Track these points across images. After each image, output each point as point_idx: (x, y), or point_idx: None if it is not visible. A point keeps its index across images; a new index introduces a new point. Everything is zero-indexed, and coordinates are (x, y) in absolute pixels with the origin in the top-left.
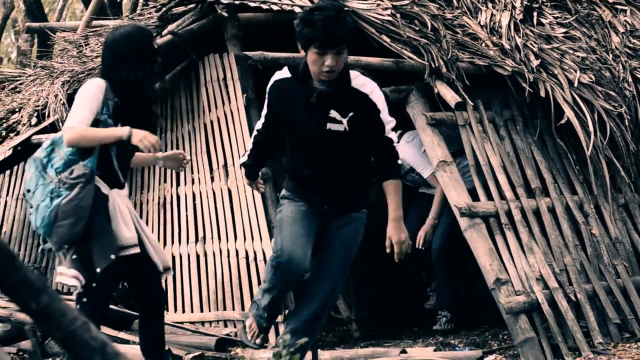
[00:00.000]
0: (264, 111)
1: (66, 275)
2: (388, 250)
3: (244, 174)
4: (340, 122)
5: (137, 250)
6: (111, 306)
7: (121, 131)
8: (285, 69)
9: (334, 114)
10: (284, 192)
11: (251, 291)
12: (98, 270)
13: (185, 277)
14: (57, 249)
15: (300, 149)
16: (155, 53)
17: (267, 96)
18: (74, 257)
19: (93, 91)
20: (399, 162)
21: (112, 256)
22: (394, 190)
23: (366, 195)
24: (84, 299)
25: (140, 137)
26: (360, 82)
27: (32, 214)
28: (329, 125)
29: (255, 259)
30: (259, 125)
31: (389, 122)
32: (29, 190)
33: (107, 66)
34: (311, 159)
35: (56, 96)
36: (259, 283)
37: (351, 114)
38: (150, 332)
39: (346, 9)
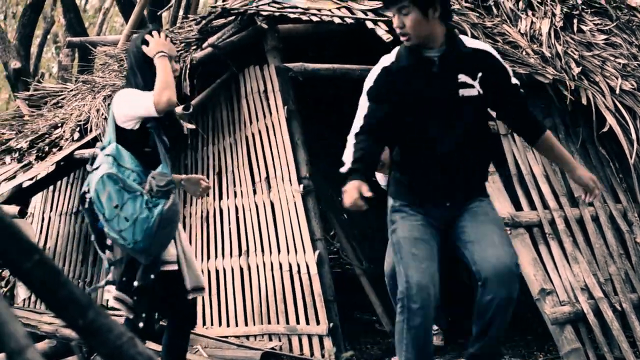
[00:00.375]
0: (366, 108)
1: (126, 304)
2: (586, 198)
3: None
4: (472, 86)
5: (175, 267)
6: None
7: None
8: (393, 52)
9: (463, 78)
10: (392, 202)
11: (295, 304)
12: (135, 284)
13: (230, 291)
14: (146, 262)
15: (425, 130)
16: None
17: (371, 87)
18: (138, 283)
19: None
20: (534, 117)
21: (152, 275)
22: (554, 139)
23: (485, 180)
24: (142, 325)
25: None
26: (473, 42)
27: (124, 230)
28: (462, 92)
29: (299, 271)
30: (357, 127)
31: (514, 76)
32: (116, 206)
33: (127, 76)
34: (443, 134)
35: (98, 110)
36: (303, 296)
37: (480, 74)
38: (172, 343)
39: (386, 18)
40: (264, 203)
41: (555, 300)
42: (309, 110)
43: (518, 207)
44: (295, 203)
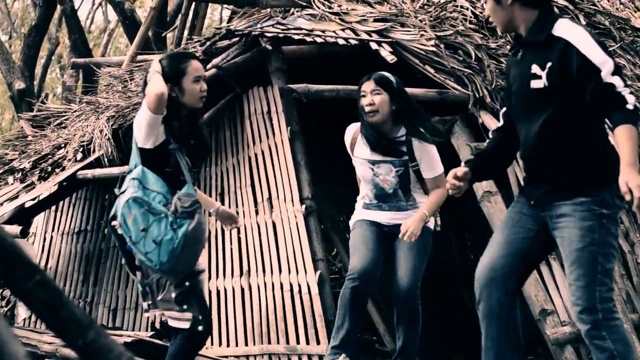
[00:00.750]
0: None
1: (176, 318)
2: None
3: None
4: (540, 77)
5: (205, 275)
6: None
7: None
8: None
9: (534, 68)
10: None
11: (296, 324)
12: (173, 295)
13: (230, 310)
14: (176, 280)
15: (516, 122)
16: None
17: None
18: (179, 296)
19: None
20: (630, 106)
21: (187, 283)
22: (624, 135)
23: (587, 173)
24: (201, 328)
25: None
26: (563, 27)
27: (150, 252)
28: (532, 83)
29: (300, 292)
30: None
31: (604, 63)
32: (143, 230)
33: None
34: (521, 131)
35: (101, 131)
36: (304, 316)
37: (549, 64)
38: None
39: (390, 39)
40: (265, 223)
41: (556, 321)
42: (312, 131)
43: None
44: (297, 223)
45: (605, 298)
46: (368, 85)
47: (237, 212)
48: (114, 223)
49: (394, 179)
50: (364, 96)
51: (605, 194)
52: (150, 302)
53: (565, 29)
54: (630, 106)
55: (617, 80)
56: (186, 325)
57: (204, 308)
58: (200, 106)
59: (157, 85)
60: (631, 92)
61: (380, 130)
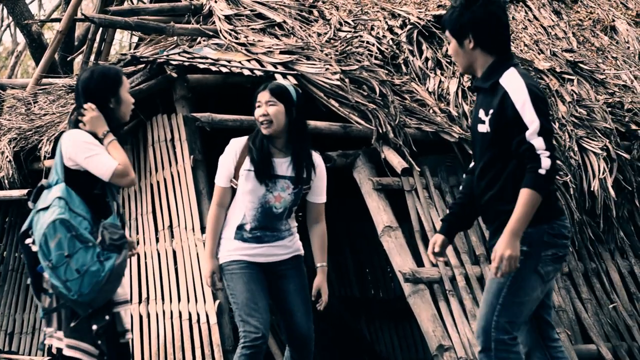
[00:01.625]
0: None
1: (83, 350)
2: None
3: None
4: (484, 122)
5: (128, 306)
6: None
7: None
8: None
9: (481, 113)
10: None
11: (193, 354)
12: (94, 327)
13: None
14: (86, 316)
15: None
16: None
17: None
18: (96, 326)
19: None
20: (541, 171)
21: (107, 317)
22: (522, 199)
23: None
24: None
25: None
26: (508, 77)
27: (71, 281)
28: (479, 127)
29: (198, 321)
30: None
31: (531, 122)
32: (68, 256)
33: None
34: (475, 169)
35: (2, 153)
36: (202, 346)
37: (491, 111)
38: None
39: (295, 72)
40: (166, 251)
41: (453, 357)
42: (215, 160)
43: (420, 263)
44: (197, 252)
45: (503, 328)
46: (263, 96)
47: (138, 240)
48: (28, 241)
49: (289, 197)
50: (259, 107)
51: (532, 231)
52: (53, 328)
53: (508, 80)
54: (542, 171)
55: (538, 142)
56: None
57: (115, 345)
58: (127, 119)
59: (132, 171)
60: (550, 157)
61: (271, 145)
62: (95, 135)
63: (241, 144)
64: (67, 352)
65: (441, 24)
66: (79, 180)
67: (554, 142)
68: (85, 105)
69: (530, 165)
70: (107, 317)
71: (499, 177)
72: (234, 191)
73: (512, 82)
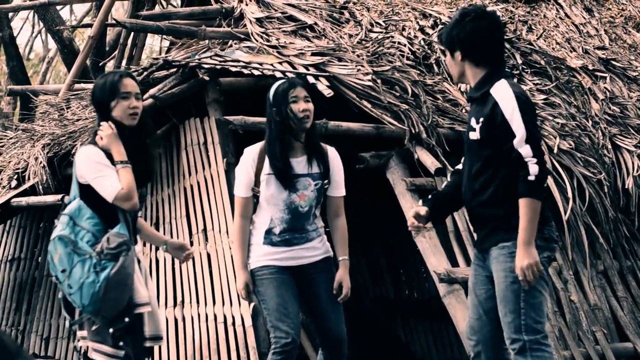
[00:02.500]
0: None
1: (106, 353)
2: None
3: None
4: (475, 130)
5: (149, 308)
6: None
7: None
8: None
9: (472, 121)
10: None
11: (229, 356)
12: (111, 331)
13: (164, 341)
14: (105, 324)
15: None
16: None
17: None
18: (113, 329)
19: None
20: (530, 177)
21: (127, 319)
22: (522, 210)
23: (509, 218)
24: None
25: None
26: (498, 87)
27: (73, 294)
28: (470, 134)
29: (233, 323)
30: None
31: (518, 130)
32: (64, 271)
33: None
34: (464, 174)
35: (36, 159)
36: (237, 348)
37: (482, 119)
38: None
39: (327, 74)
40: (200, 255)
41: None
42: None
43: (454, 263)
44: (231, 255)
45: (532, 329)
46: (299, 91)
47: (192, 242)
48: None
49: (312, 194)
50: (295, 102)
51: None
52: (84, 331)
53: (498, 90)
54: (531, 177)
55: (525, 150)
56: None
57: (140, 346)
58: (132, 124)
59: (136, 196)
60: (538, 163)
61: (290, 145)
62: (109, 152)
63: (256, 150)
64: (91, 354)
65: (440, 38)
66: (92, 194)
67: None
68: (102, 124)
69: (521, 174)
70: (126, 320)
71: (489, 183)
72: (254, 201)
73: (502, 91)
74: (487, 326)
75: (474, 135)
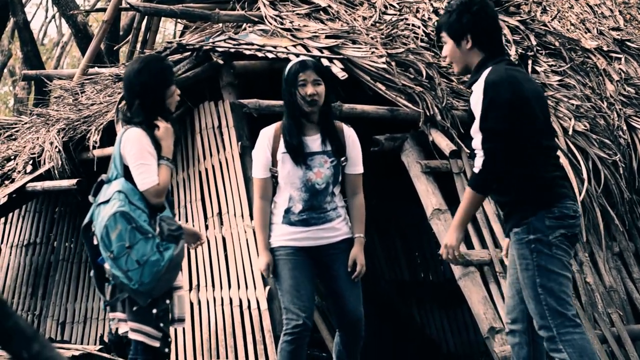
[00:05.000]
0: None
1: (146, 333)
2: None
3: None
4: (473, 116)
5: (183, 292)
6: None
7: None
8: None
9: (470, 107)
10: None
11: (245, 340)
12: (155, 311)
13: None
14: (148, 304)
15: None
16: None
17: None
18: (157, 310)
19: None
20: (475, 169)
21: (168, 301)
22: (464, 195)
23: (517, 203)
24: (167, 350)
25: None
26: (484, 74)
27: (132, 271)
28: (472, 122)
29: (249, 307)
30: None
31: (481, 119)
32: (129, 247)
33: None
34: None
35: (51, 144)
36: (253, 332)
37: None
38: None
39: (341, 56)
40: (215, 238)
41: (504, 339)
42: None
43: (470, 245)
44: (247, 239)
45: (556, 312)
46: (308, 75)
47: (207, 226)
48: (90, 234)
49: (328, 171)
50: (303, 85)
51: (533, 220)
52: (118, 313)
53: (482, 77)
54: (475, 169)
55: (476, 140)
56: (156, 343)
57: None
58: (173, 111)
59: (164, 195)
60: (486, 154)
61: (305, 123)
62: (157, 142)
63: (272, 131)
64: (131, 335)
65: (436, 28)
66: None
67: (603, 121)
68: (160, 124)
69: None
70: (167, 301)
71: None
72: (273, 181)
73: (481, 79)
74: (520, 305)
75: (474, 122)
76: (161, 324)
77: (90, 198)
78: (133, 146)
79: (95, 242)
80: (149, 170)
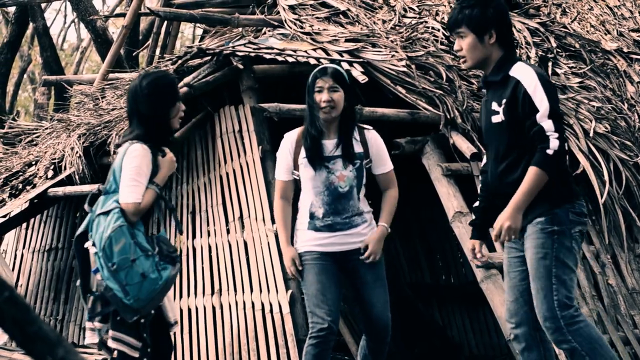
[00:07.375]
0: None
1: (127, 343)
2: (493, 236)
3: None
4: (498, 113)
5: (165, 300)
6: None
7: None
8: None
9: (493, 105)
10: None
11: (267, 344)
12: (142, 321)
13: (202, 329)
14: (131, 319)
15: (487, 156)
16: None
17: None
18: (143, 320)
19: None
20: (549, 151)
21: (153, 311)
22: (528, 176)
23: (540, 195)
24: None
25: None
26: (518, 68)
27: (130, 285)
28: (493, 118)
29: (271, 311)
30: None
31: (541, 105)
32: (133, 260)
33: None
34: (488, 164)
35: (72, 149)
36: (275, 336)
37: (504, 101)
38: None
39: (361, 60)
40: (237, 242)
41: None
42: None
43: (491, 248)
44: (268, 242)
45: (565, 304)
46: (325, 81)
47: (209, 232)
48: (87, 244)
49: (351, 174)
50: (319, 92)
51: (558, 212)
52: (97, 322)
53: (519, 70)
54: (550, 151)
55: (548, 124)
56: (135, 354)
57: (167, 333)
58: (176, 127)
59: (139, 215)
60: (559, 138)
61: (325, 129)
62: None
63: (295, 135)
64: (111, 344)
65: (452, 22)
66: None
67: (624, 123)
68: (168, 152)
69: (540, 146)
70: (152, 312)
71: (516, 164)
72: (296, 185)
73: (523, 71)
74: (523, 307)
75: (498, 118)
76: (144, 334)
77: (87, 207)
78: (133, 161)
79: (91, 252)
80: (137, 190)
